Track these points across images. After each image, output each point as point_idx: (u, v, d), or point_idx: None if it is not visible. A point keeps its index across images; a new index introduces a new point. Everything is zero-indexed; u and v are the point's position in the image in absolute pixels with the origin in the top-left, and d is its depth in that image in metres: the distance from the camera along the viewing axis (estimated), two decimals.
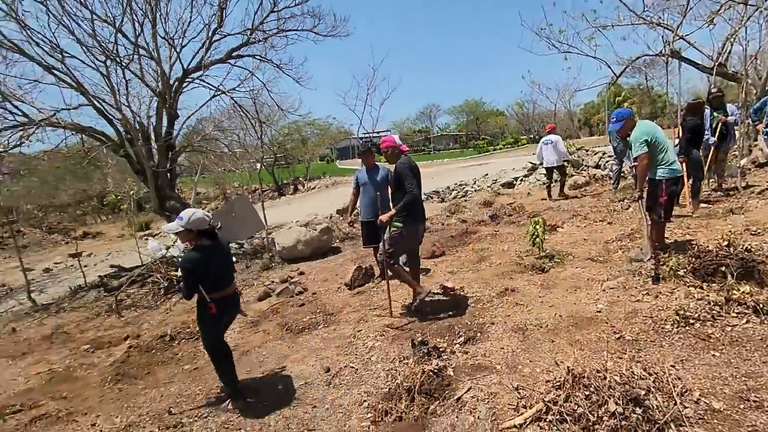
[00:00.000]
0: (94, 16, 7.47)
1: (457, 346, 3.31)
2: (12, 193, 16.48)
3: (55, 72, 7.56)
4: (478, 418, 2.38)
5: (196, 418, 2.95)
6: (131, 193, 9.25)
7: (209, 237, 3.01)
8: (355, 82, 9.03)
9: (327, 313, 4.73)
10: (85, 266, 8.42)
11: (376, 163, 5.48)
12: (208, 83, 9.69)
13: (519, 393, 2.50)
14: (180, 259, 3.08)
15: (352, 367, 3.32)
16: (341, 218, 11.06)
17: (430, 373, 2.82)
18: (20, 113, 7.47)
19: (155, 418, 3.04)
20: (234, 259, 7.89)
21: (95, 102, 7.94)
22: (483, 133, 56.56)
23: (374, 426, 2.51)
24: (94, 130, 8.34)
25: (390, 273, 4.23)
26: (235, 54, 9.66)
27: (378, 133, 12.96)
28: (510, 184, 13.46)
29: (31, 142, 7.58)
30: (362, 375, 3.18)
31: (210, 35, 9.12)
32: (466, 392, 2.64)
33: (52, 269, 11.33)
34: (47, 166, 13.80)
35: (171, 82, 8.84)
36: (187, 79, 9.21)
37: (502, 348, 3.17)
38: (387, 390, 2.85)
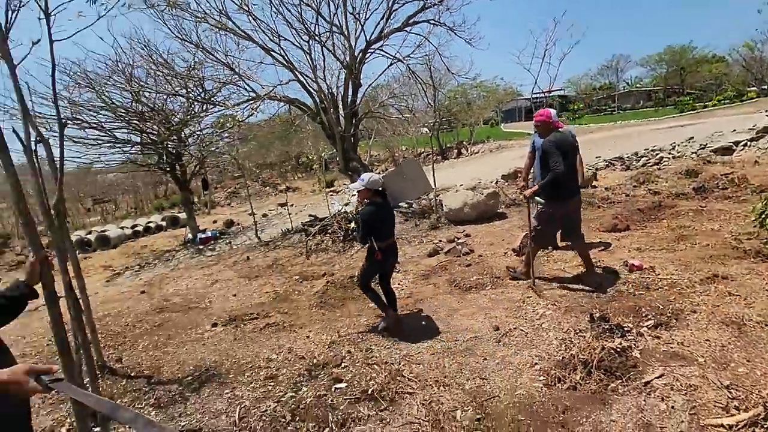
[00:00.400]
0: (301, 1, 8.73)
1: (645, 329, 3.02)
2: (240, 154, 21.17)
3: (273, 53, 9.21)
4: (672, 407, 2.19)
5: (383, 347, 3.50)
6: (322, 155, 10.81)
7: (381, 196, 3.71)
8: (532, 38, 8.28)
9: (494, 276, 4.83)
10: (290, 214, 10.39)
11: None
12: (386, 52, 10.37)
13: (730, 392, 2.19)
14: (359, 213, 3.83)
15: (522, 330, 3.39)
16: (506, 183, 10.73)
17: (612, 351, 2.68)
18: (250, 90, 9.44)
19: (351, 342, 3.72)
20: (404, 217, 8.62)
21: (299, 77, 9.42)
22: (689, 86, 44.87)
23: (546, 389, 2.57)
24: (299, 101, 9.96)
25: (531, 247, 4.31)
26: (411, 21, 9.99)
27: (550, 92, 11.83)
28: (727, 150, 10.69)
29: (256, 113, 9.57)
30: (532, 339, 3.23)
31: (390, 5, 9.62)
32: (657, 378, 2.44)
33: (268, 215, 14.30)
34: (263, 132, 17.15)
35: (356, 54, 9.76)
36: (369, 50, 10.01)
37: (707, 340, 2.75)
38: (560, 358, 2.84)
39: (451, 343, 3.37)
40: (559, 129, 4.05)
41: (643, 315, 3.26)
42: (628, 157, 12.95)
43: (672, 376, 2.43)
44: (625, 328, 2.99)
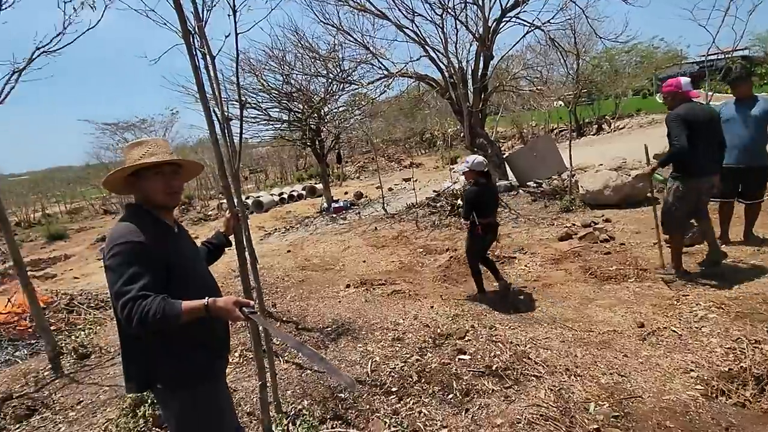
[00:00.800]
0: None
1: None
2: (368, 129, 22.32)
3: (406, 30, 9.35)
4: None
5: (507, 327, 3.46)
6: (447, 130, 10.73)
7: (485, 177, 4.08)
8: None
9: (639, 268, 4.31)
10: (414, 189, 10.68)
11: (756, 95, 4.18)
12: (523, 20, 9.61)
13: None
14: (465, 191, 4.32)
15: (674, 331, 2.99)
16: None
17: None
18: (383, 68, 9.80)
19: (474, 317, 3.77)
20: (531, 197, 8.16)
21: (430, 52, 9.41)
22: None
23: (705, 400, 2.26)
24: (429, 77, 10.00)
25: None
26: None
27: (726, 53, 9.59)
28: None
29: (388, 90, 9.93)
30: (687, 342, 2.84)
31: None
32: None
33: (393, 189, 14.93)
34: (390, 109, 17.72)
35: (489, 24, 9.29)
36: (504, 19, 9.42)
37: None
38: (726, 369, 2.45)
39: (584, 333, 3.17)
40: (692, 98, 3.68)
41: None
42: None
43: None
44: None
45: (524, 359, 2.89)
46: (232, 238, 2.17)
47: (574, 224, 6.35)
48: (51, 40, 4.16)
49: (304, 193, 18.59)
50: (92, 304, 6.15)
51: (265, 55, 10.70)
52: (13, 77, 4.07)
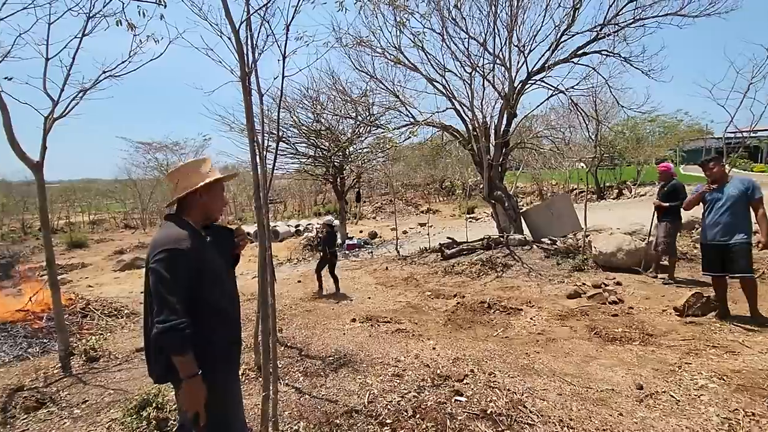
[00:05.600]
0: (469, 35, 9.27)
1: None
2: (389, 172, 22.95)
3: (435, 83, 9.94)
4: None
5: (506, 375, 3.50)
6: (468, 181, 11.03)
7: (331, 228, 6.56)
8: (733, 69, 7.07)
9: (645, 332, 4.32)
10: (429, 234, 10.86)
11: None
12: (547, 83, 10.11)
13: None
14: (321, 233, 7.49)
15: (673, 396, 3.00)
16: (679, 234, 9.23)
17: None
18: (409, 115, 10.34)
19: (475, 362, 3.81)
20: (544, 254, 8.21)
21: (456, 105, 9.92)
22: None
23: None
24: (452, 127, 10.47)
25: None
26: (580, 52, 9.57)
27: (756, 132, 9.76)
28: None
29: (412, 137, 10.39)
30: (684, 409, 2.84)
31: (558, 37, 9.41)
32: None
33: (408, 232, 15.13)
34: (413, 155, 18.31)
35: (515, 85, 9.80)
36: (529, 81, 9.94)
37: None
38: None
39: (582, 389, 3.19)
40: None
41: None
42: None
43: None
44: None
45: (519, 407, 2.92)
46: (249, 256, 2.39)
47: (584, 283, 6.37)
48: (116, 66, 4.68)
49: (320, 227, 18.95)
50: (106, 311, 6.36)
51: (300, 94, 11.44)
52: (79, 95, 4.56)
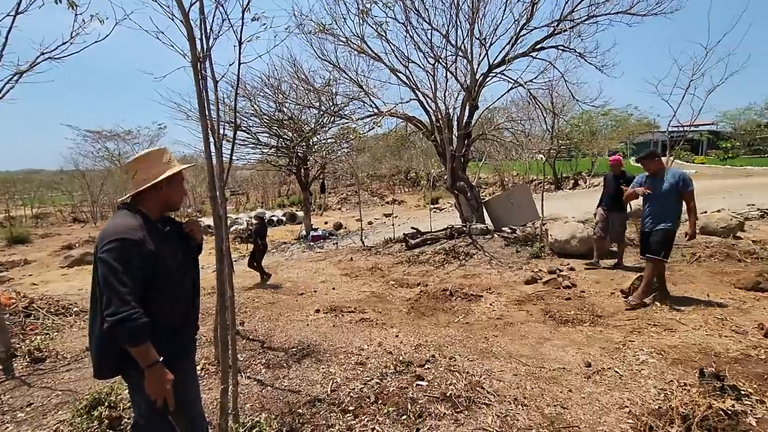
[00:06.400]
0: (432, 27, 9.32)
1: None
2: (355, 163, 22.86)
3: (399, 74, 9.94)
4: None
5: (466, 359, 3.62)
6: (431, 171, 11.18)
7: (261, 220, 6.50)
8: (676, 66, 7.53)
9: (595, 314, 4.59)
10: (394, 224, 10.94)
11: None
12: (507, 76, 10.37)
13: None
14: (254, 226, 7.82)
15: (617, 372, 3.22)
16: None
17: (720, 411, 2.44)
18: (373, 106, 10.30)
19: (436, 348, 3.91)
20: (504, 242, 8.49)
21: (420, 97, 9.99)
22: None
23: None
24: (416, 119, 10.54)
25: None
26: (538, 46, 9.87)
27: (692, 126, 10.47)
28: None
29: (376, 128, 10.38)
30: (627, 382, 3.05)
31: (518, 31, 9.64)
32: None
33: (373, 222, 15.16)
34: (378, 146, 18.30)
35: (477, 77, 9.98)
36: (490, 74, 10.15)
37: None
38: (656, 408, 2.66)
39: (536, 369, 3.36)
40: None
41: None
42: None
43: None
44: (743, 392, 2.67)
45: (478, 388, 3.04)
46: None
47: (541, 270, 6.66)
48: (57, 48, 4.35)
49: (284, 218, 18.64)
50: (52, 310, 5.99)
51: (261, 82, 11.11)
52: (14, 78, 4.21)
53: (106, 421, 2.66)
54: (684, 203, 4.65)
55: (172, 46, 3.24)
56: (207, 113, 2.29)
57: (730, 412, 2.45)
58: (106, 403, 2.78)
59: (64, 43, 4.35)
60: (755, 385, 2.84)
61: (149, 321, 1.58)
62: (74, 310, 5.96)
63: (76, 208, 31.12)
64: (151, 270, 1.68)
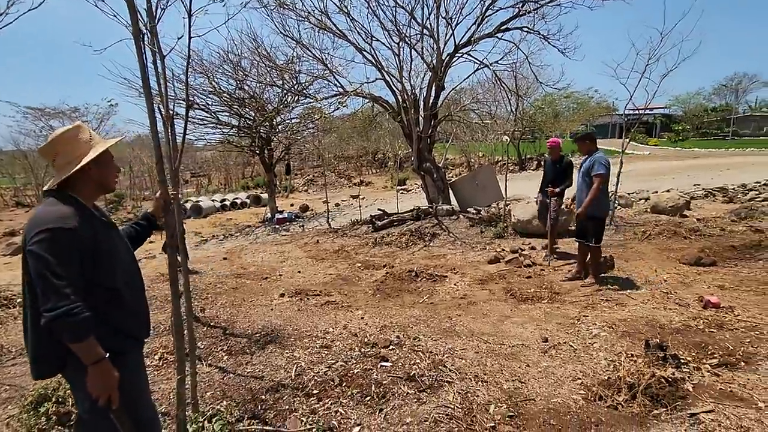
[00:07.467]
0: (397, 3, 9.11)
1: (707, 366, 2.87)
2: (322, 144, 22.42)
3: (364, 53, 9.72)
4: None
5: (430, 339, 3.69)
6: (398, 153, 11.14)
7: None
8: (634, 50, 7.77)
9: (553, 291, 4.78)
10: (361, 206, 10.89)
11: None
12: (474, 57, 10.36)
13: None
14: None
15: (571, 346, 3.37)
16: None
17: (662, 379, 2.62)
18: (338, 85, 10.06)
19: (401, 329, 3.96)
20: (470, 222, 8.65)
21: (386, 76, 9.83)
22: None
23: (585, 402, 2.59)
24: (382, 99, 10.40)
25: None
26: (503, 27, 9.89)
27: (646, 110, 10.91)
28: None
29: (342, 108, 10.17)
30: (580, 355, 3.21)
31: (483, 11, 9.62)
32: (705, 412, 2.36)
33: (340, 204, 15.04)
34: (344, 126, 18.00)
35: (443, 57, 9.92)
36: (456, 54, 10.11)
37: None
38: (606, 378, 2.82)
39: (496, 346, 3.47)
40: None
41: (709, 352, 3.09)
42: (733, 188, 11.69)
43: (723, 414, 2.32)
44: (682, 360, 2.87)
45: (440, 367, 3.11)
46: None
47: (503, 249, 6.85)
48: None
49: (248, 201, 18.16)
50: None
51: (220, 58, 10.57)
52: None
53: (54, 417, 2.52)
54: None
55: (115, 16, 2.99)
56: (151, 89, 2.13)
57: (670, 379, 2.64)
58: (53, 399, 2.63)
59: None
60: (693, 354, 3.07)
61: (91, 315, 1.48)
62: (18, 301, 5.58)
63: (18, 191, 28.93)
64: (91, 260, 1.56)
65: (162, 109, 2.50)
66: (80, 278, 1.51)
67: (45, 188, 1.70)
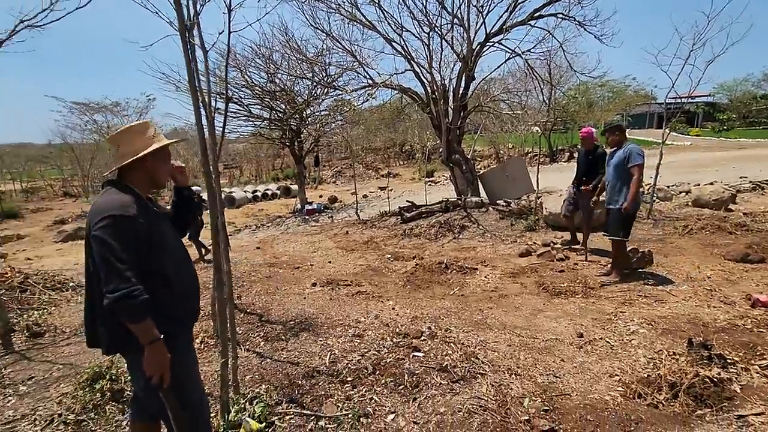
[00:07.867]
0: None
1: (756, 367, 2.75)
2: (348, 136, 22.53)
3: (394, 43, 9.66)
4: None
5: (461, 330, 3.69)
6: (426, 144, 11.06)
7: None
8: (677, 35, 7.37)
9: (588, 286, 4.66)
10: (389, 198, 10.92)
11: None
12: (505, 46, 10.10)
13: None
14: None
15: (608, 342, 3.30)
16: None
17: (707, 379, 2.53)
18: (368, 77, 10.05)
19: (432, 320, 3.98)
20: (499, 215, 8.52)
21: (415, 67, 9.75)
22: None
23: (624, 400, 2.54)
24: (411, 90, 10.33)
25: None
26: (537, 14, 9.58)
27: (689, 98, 10.34)
28: None
29: (371, 100, 10.18)
30: (618, 352, 3.14)
31: None
32: (754, 415, 2.27)
33: (368, 196, 15.12)
34: (372, 118, 18.02)
35: (474, 46, 9.73)
36: (488, 43, 9.89)
37: None
38: (645, 376, 2.75)
39: (529, 340, 3.44)
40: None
41: (758, 353, 2.95)
42: None
43: None
44: (729, 361, 2.76)
45: (473, 359, 3.11)
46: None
47: (535, 242, 6.73)
48: (36, 15, 4.15)
49: (278, 192, 18.53)
50: (48, 285, 5.99)
51: (252, 52, 10.76)
52: None
53: (108, 393, 2.70)
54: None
55: (158, 12, 3.10)
56: (197, 84, 2.21)
57: (716, 379, 2.54)
58: (108, 376, 2.82)
59: (44, 10, 4.15)
60: (741, 354, 2.94)
61: (149, 298, 1.58)
62: (70, 284, 5.96)
63: (66, 182, 30.66)
64: (147, 246, 1.66)
65: (206, 104, 2.59)
66: (138, 263, 1.61)
67: (104, 177, 1.81)
